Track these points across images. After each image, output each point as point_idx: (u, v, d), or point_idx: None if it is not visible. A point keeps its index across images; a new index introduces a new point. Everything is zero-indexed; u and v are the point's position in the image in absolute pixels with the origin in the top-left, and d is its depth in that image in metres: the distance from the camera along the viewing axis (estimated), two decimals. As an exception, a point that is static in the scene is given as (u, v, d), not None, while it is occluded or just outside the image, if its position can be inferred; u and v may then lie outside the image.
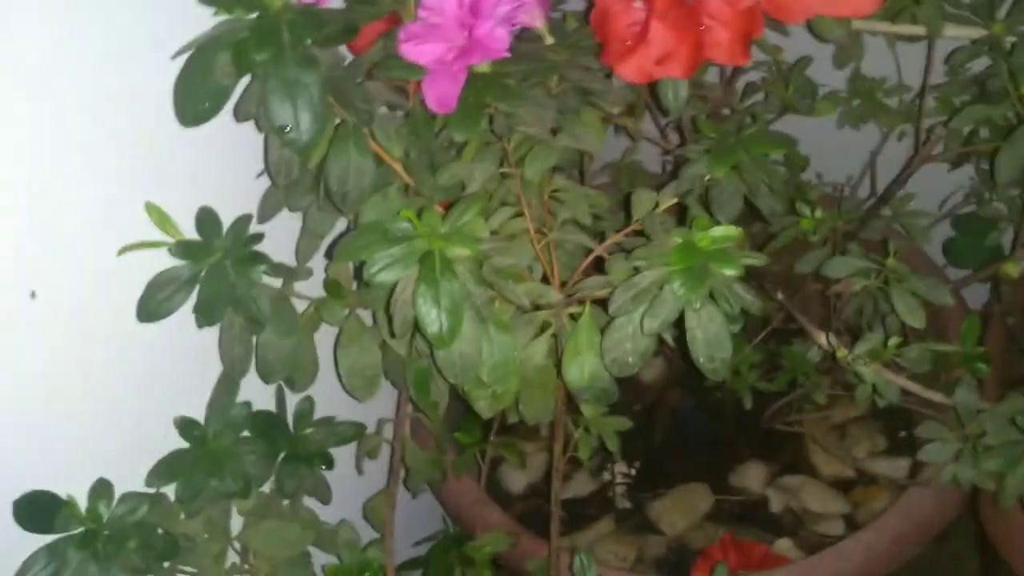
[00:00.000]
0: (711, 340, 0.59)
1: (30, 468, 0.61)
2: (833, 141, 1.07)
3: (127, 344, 0.67)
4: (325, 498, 0.82)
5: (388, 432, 0.89)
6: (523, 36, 0.79)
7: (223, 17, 0.62)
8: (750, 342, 1.05)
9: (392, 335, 0.61)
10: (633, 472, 1.13)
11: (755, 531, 1.05)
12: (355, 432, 0.82)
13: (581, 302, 0.69)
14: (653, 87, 0.69)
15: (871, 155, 1.07)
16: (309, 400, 0.81)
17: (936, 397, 0.83)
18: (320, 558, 0.83)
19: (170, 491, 0.70)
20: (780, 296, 0.83)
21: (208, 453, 0.71)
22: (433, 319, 0.55)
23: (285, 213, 0.74)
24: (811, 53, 0.97)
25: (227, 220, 0.68)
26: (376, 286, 0.56)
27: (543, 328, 0.70)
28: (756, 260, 0.59)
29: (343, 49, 0.75)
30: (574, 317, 0.70)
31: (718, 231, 0.58)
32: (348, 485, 0.89)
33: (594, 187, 1.08)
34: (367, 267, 0.56)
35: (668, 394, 1.19)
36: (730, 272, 0.57)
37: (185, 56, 0.62)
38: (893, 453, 1.10)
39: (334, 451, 0.81)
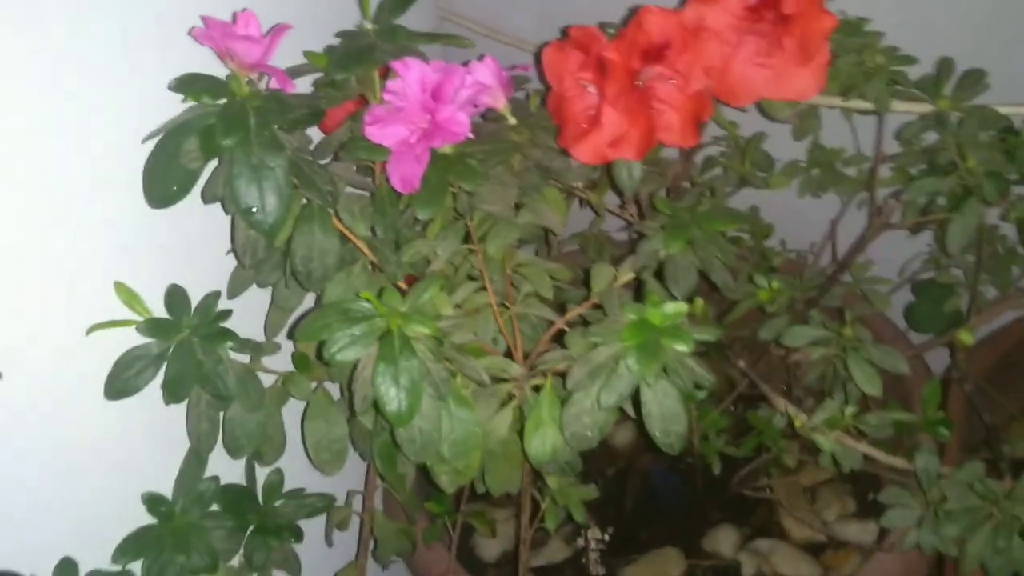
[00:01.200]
0: (666, 414, 0.61)
1: (-4, 547, 0.62)
2: (796, 209, 1.10)
3: (95, 421, 0.68)
4: (294, 571, 0.82)
5: (358, 503, 0.90)
6: (487, 115, 0.82)
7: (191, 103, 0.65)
8: (717, 407, 1.06)
9: (353, 412, 0.62)
10: (606, 538, 1.13)
11: (728, 596, 1.06)
12: (325, 504, 0.82)
13: (544, 374, 0.70)
14: (609, 166, 0.72)
15: (831, 223, 1.10)
16: (279, 472, 0.81)
17: (898, 463, 0.84)
18: (289, 632, 0.83)
19: (137, 568, 0.70)
20: (742, 364, 0.84)
21: (175, 529, 0.72)
22: (392, 397, 0.56)
23: (255, 287, 0.76)
24: (771, 125, 1.01)
25: (198, 295, 0.70)
26: (335, 365, 0.57)
27: (507, 400, 0.72)
28: (708, 335, 0.61)
29: (313, 129, 0.78)
30: (537, 389, 0.71)
31: (670, 307, 0.60)
32: (318, 557, 0.89)
33: (563, 255, 1.11)
34: (327, 346, 0.57)
35: (639, 458, 1.19)
36: (682, 347, 0.59)
37: (154, 139, 0.64)
38: (863, 516, 1.10)
39: (304, 523, 0.81)
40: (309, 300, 0.80)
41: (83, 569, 0.66)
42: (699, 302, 0.84)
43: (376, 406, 0.58)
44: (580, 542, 1.12)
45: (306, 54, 0.75)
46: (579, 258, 1.11)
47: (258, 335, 0.79)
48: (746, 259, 1.08)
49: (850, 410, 0.76)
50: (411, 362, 0.57)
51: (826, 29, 0.66)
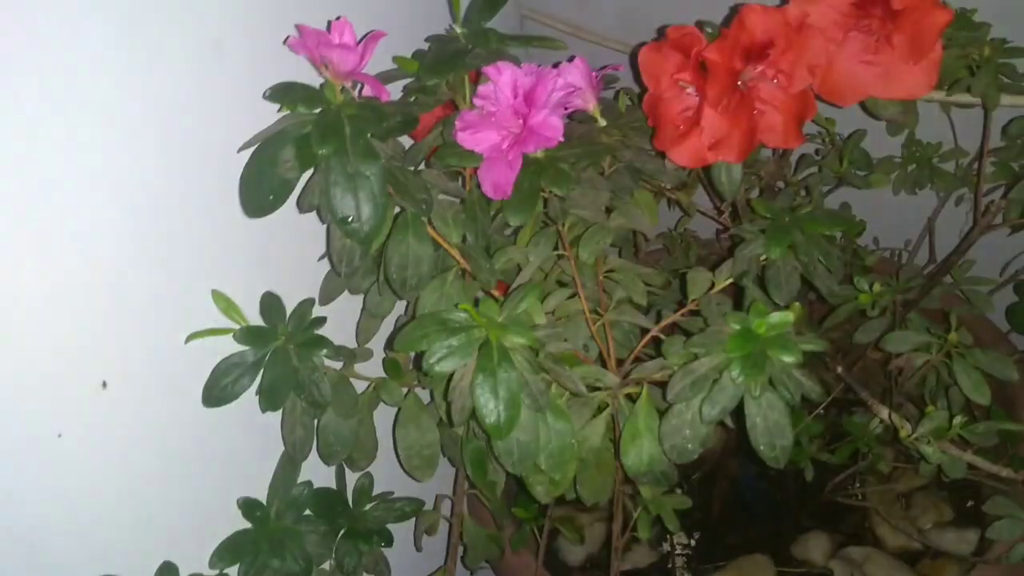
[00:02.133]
0: (772, 427, 0.59)
1: (104, 551, 0.63)
2: (890, 205, 1.06)
3: (194, 429, 0.69)
4: (384, 575, 0.82)
5: (446, 508, 0.90)
6: (576, 117, 0.81)
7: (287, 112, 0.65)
8: (810, 412, 1.03)
9: (451, 423, 0.62)
10: (693, 543, 1.11)
11: (820, 604, 1.03)
12: (414, 509, 0.82)
13: (638, 383, 0.69)
14: (707, 168, 0.70)
15: (928, 220, 1.06)
16: (368, 477, 0.82)
17: (1004, 472, 0.81)
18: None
19: (234, 572, 0.71)
20: (840, 370, 0.81)
21: (270, 533, 0.72)
22: (491, 410, 0.56)
23: (345, 294, 0.76)
24: (865, 120, 0.97)
25: (291, 302, 0.70)
26: (436, 376, 0.57)
27: (600, 409, 0.70)
28: (816, 346, 0.59)
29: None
30: (631, 398, 0.70)
31: (775, 317, 0.58)
32: (407, 561, 0.89)
33: (648, 255, 1.09)
34: (426, 357, 0.57)
35: (727, 463, 1.17)
36: (789, 359, 0.57)
37: (250, 149, 0.64)
38: (960, 524, 1.07)
39: (393, 527, 0.82)
40: (400, 306, 0.80)
41: (183, 572, 0.67)
42: (797, 307, 0.81)
43: (475, 417, 0.57)
44: (666, 547, 1.11)
45: (396, 59, 0.75)
46: (664, 258, 1.09)
47: (348, 341, 0.79)
48: (839, 258, 1.05)
49: (959, 420, 0.73)
50: (510, 373, 0.56)
51: (940, 24, 0.62)
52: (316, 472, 0.77)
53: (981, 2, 0.81)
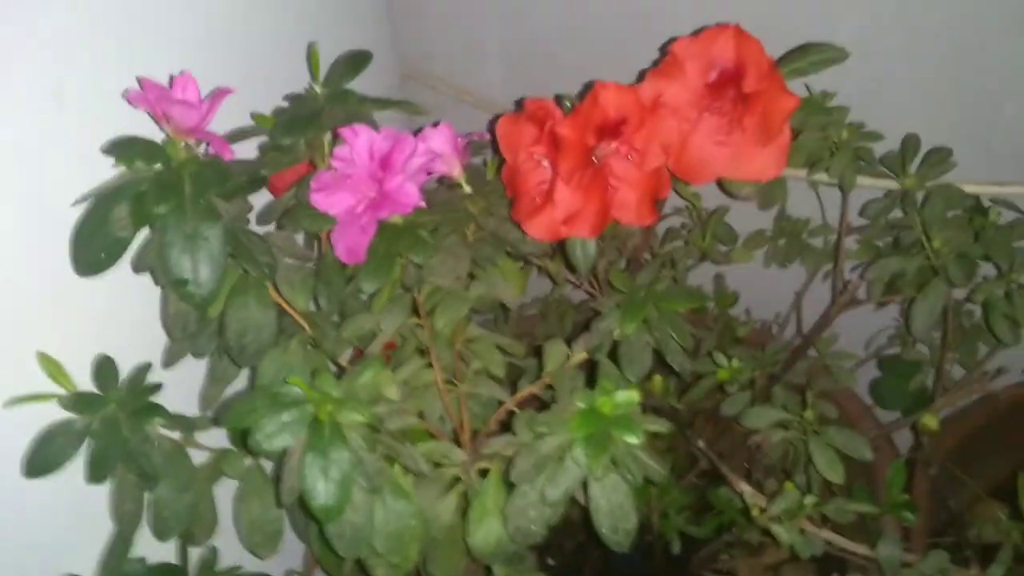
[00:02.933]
0: (615, 510, 0.57)
1: None
2: (762, 278, 1.08)
3: (13, 500, 0.64)
4: (225, 657, 0.77)
5: (296, 584, 0.85)
6: (446, 182, 0.80)
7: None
8: (678, 483, 1.02)
9: (278, 503, 0.58)
10: (562, 617, 1.09)
11: None
12: (261, 585, 0.78)
13: (490, 459, 0.67)
14: (562, 241, 0.69)
15: (796, 295, 1.08)
16: (212, 551, 0.77)
17: (860, 550, 0.81)
18: None
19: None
20: (701, 444, 0.81)
21: (95, 614, 0.67)
22: (320, 491, 0.53)
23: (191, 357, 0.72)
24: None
25: (132, 365, 0.66)
26: (262, 453, 0.53)
27: (452, 485, 0.68)
28: (659, 427, 0.58)
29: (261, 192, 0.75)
30: (484, 473, 0.68)
31: (621, 396, 0.57)
32: (252, 641, 0.84)
33: (524, 319, 1.08)
34: (252, 433, 0.53)
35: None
36: (632, 440, 0.56)
37: (84, 203, 0.61)
38: (827, 597, 1.07)
39: (239, 605, 0.77)
40: (249, 371, 0.77)
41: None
42: (658, 380, 0.81)
43: (302, 499, 0.54)
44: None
45: (253, 116, 0.73)
46: (540, 324, 1.08)
47: (193, 407, 0.75)
48: (710, 328, 1.06)
49: (810, 499, 0.73)
50: (342, 453, 0.54)
51: (788, 110, 0.64)
52: (157, 546, 0.72)
53: (840, 86, 0.83)
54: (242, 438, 0.70)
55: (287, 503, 0.57)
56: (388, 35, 1.11)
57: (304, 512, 0.66)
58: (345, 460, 0.53)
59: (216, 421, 0.72)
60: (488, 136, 0.79)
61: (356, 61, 0.72)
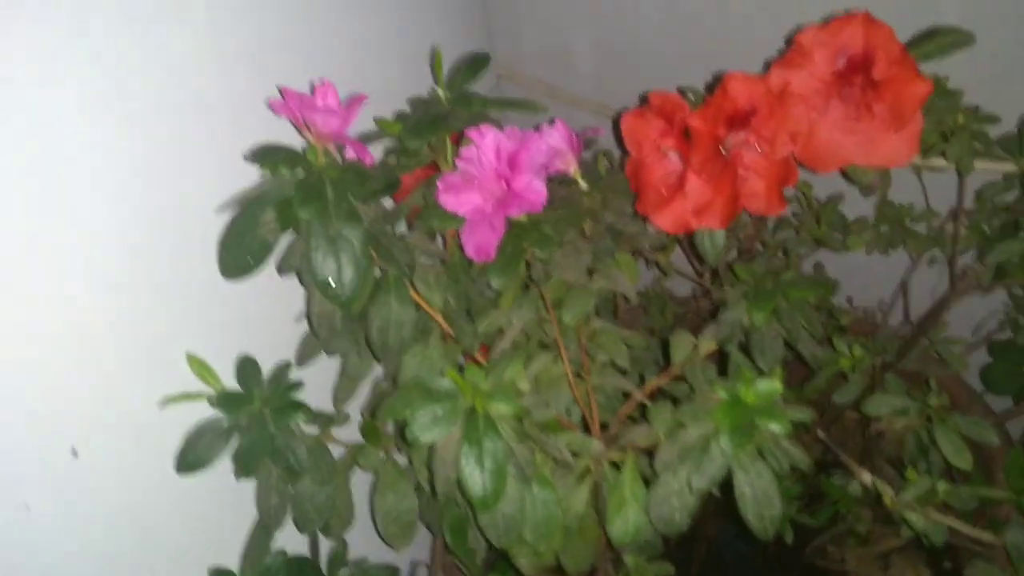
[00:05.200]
0: (760, 497, 0.58)
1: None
2: (862, 266, 1.07)
3: (166, 496, 0.67)
4: (358, 646, 0.79)
5: (423, 575, 0.87)
6: (555, 179, 0.81)
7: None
8: (790, 473, 1.02)
9: (434, 493, 0.60)
10: (672, 608, 1.09)
11: (800, 671, 1.01)
12: (389, 576, 0.80)
13: (622, 449, 0.68)
14: (689, 233, 0.70)
15: (902, 281, 1.06)
16: (343, 543, 0.79)
17: (986, 537, 0.80)
18: None
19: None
20: (821, 434, 0.81)
21: (241, 604, 0.70)
22: (476, 481, 0.54)
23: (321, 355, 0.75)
24: (839, 182, 0.98)
25: (268, 364, 0.69)
26: (418, 446, 0.55)
27: (583, 476, 0.69)
28: (804, 416, 0.58)
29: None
30: (615, 464, 0.69)
31: (763, 386, 0.58)
32: (381, 631, 0.86)
33: (624, 313, 1.08)
34: (410, 425, 0.55)
35: (706, 523, 1.16)
36: (778, 428, 0.56)
37: (230, 209, 0.63)
38: (939, 586, 1.06)
39: (367, 596, 0.79)
40: (377, 368, 0.79)
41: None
42: (778, 372, 0.81)
43: (460, 488, 0.56)
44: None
45: (378, 121, 0.75)
46: (641, 316, 1.09)
47: (324, 403, 0.78)
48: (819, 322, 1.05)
49: (943, 485, 0.72)
50: (496, 443, 0.55)
51: (921, 95, 0.63)
52: (289, 538, 0.74)
53: (953, 70, 0.83)
54: (375, 431, 0.73)
55: (442, 494, 0.58)
56: (484, 37, 1.13)
57: (464, 502, 0.67)
58: (499, 450, 0.55)
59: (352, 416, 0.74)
60: (602, 132, 0.80)
61: (476, 63, 0.74)
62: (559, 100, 1.15)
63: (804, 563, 1.05)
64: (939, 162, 0.84)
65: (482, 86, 1.15)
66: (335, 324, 0.65)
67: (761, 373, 0.64)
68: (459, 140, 0.72)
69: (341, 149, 0.67)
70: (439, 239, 0.76)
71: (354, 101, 0.65)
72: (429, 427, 0.55)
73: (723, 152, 0.66)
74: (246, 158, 0.63)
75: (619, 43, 1.13)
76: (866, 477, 0.76)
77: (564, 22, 1.13)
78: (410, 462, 0.77)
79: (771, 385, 0.57)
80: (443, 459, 0.57)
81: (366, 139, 0.75)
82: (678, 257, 1.02)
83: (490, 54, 1.10)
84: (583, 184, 0.78)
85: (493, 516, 0.58)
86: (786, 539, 0.99)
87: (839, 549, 1.07)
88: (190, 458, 0.65)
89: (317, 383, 0.77)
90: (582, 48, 1.15)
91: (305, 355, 0.74)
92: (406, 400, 0.56)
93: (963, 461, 0.75)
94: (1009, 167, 0.84)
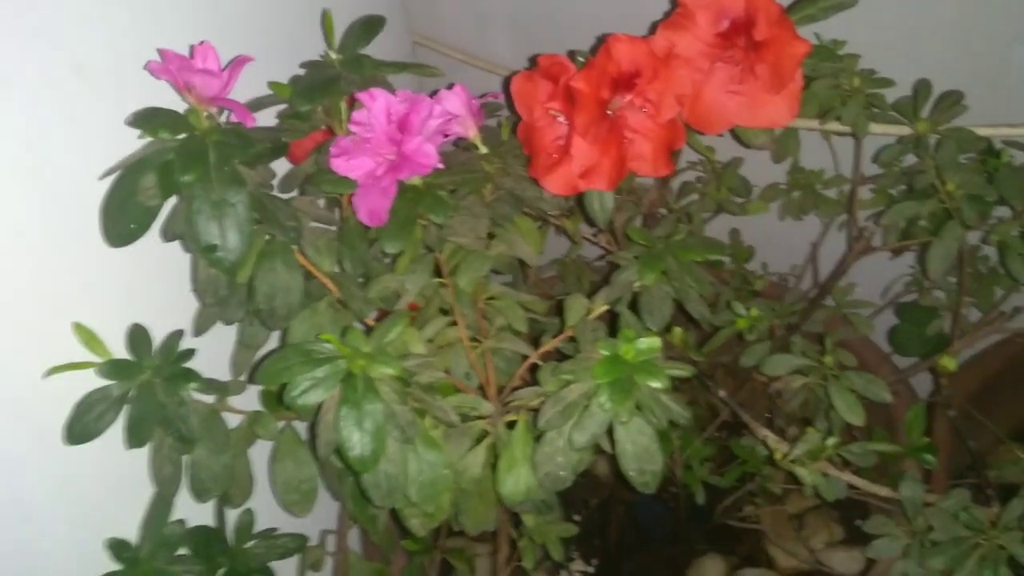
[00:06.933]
0: (641, 453, 0.59)
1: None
2: (778, 231, 1.08)
3: (55, 467, 0.66)
4: (266, 615, 0.79)
5: (332, 543, 0.87)
6: (461, 144, 0.81)
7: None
8: (700, 435, 1.04)
9: (315, 456, 0.60)
10: (591, 570, 1.11)
11: (715, 628, 1.04)
12: (297, 545, 0.80)
13: (517, 411, 0.69)
14: (580, 196, 0.70)
15: (812, 246, 1.08)
16: (249, 513, 0.79)
17: (882, 491, 0.82)
18: None
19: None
20: (722, 394, 0.82)
21: (141, 575, 0.69)
22: (355, 442, 0.54)
23: (221, 324, 0.74)
24: (749, 149, 1.00)
25: (165, 333, 0.68)
26: (297, 409, 0.55)
27: (480, 438, 0.70)
28: (682, 372, 0.59)
29: (280, 161, 0.76)
30: (511, 426, 0.69)
31: (644, 343, 0.58)
32: (291, 599, 0.87)
33: (542, 281, 1.09)
34: (288, 389, 0.55)
35: (623, 488, 1.17)
36: (657, 384, 0.57)
37: (111, 176, 0.62)
38: (850, 543, 1.09)
39: (277, 565, 0.79)
40: (277, 336, 0.78)
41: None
42: (678, 332, 0.82)
43: (339, 451, 0.56)
44: (565, 575, 1.10)
45: (271, 85, 0.74)
46: (558, 285, 1.10)
47: (225, 373, 0.77)
48: (727, 283, 1.07)
49: (832, 441, 0.74)
50: (375, 405, 0.55)
51: (799, 55, 0.64)
52: (197, 509, 0.74)
53: (850, 34, 0.84)
54: (274, 400, 0.72)
55: (324, 457, 0.58)
56: (398, 3, 1.12)
57: (342, 465, 0.68)
58: (378, 412, 0.55)
59: (249, 384, 0.74)
60: (502, 97, 0.80)
61: (370, 26, 0.73)
62: (476, 66, 1.14)
63: (718, 523, 1.07)
64: (836, 126, 0.85)
65: (398, 52, 1.15)
66: (220, 291, 0.64)
67: (650, 333, 0.65)
68: (354, 105, 0.72)
69: (228, 113, 0.67)
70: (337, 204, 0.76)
71: (237, 63, 0.64)
72: (308, 391, 0.55)
73: (609, 114, 0.66)
74: (127, 123, 0.62)
75: (535, 9, 1.12)
76: (762, 434, 0.78)
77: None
78: (309, 432, 0.77)
79: (651, 342, 0.58)
80: (324, 422, 0.57)
81: (261, 105, 0.74)
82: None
83: (406, 19, 1.10)
84: (483, 149, 0.78)
85: (376, 476, 0.58)
86: (697, 499, 1.01)
87: (754, 508, 1.09)
88: (79, 429, 0.64)
89: (217, 353, 0.77)
90: (499, 15, 1.15)
91: (201, 325, 0.73)
92: (284, 364, 0.56)
93: (856, 417, 0.77)
94: (904, 130, 0.86)
